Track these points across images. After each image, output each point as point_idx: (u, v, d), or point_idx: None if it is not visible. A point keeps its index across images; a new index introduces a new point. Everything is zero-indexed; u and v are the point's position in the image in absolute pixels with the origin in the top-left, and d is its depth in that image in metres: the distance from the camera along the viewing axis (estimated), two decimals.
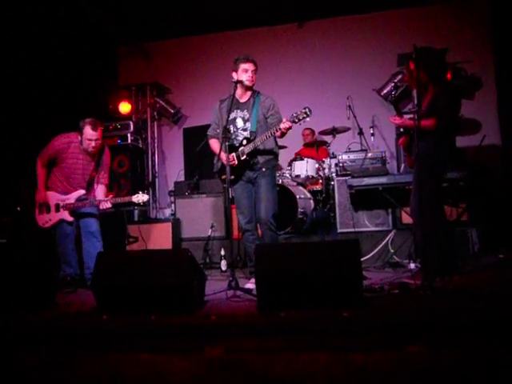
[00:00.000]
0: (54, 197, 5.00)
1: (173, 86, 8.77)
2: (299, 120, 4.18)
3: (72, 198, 5.00)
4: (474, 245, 5.55)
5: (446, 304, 3.19)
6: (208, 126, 7.20)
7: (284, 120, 4.25)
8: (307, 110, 4.15)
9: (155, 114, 8.76)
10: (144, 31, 8.22)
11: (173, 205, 7.12)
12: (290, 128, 4.24)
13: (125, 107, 8.31)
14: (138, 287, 3.48)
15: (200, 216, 6.65)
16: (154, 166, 8.67)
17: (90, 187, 5.09)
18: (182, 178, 7.51)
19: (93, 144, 4.93)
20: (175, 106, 8.59)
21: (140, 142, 8.21)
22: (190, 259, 3.56)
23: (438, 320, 2.76)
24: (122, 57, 8.87)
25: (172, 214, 7.15)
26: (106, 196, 5.13)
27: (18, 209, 6.23)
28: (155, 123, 8.83)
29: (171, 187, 7.60)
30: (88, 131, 4.89)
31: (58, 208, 4.98)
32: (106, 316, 3.35)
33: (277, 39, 8.35)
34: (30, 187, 6.19)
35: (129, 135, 7.79)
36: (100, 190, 5.13)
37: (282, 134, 4.39)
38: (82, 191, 5.04)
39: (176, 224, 6.68)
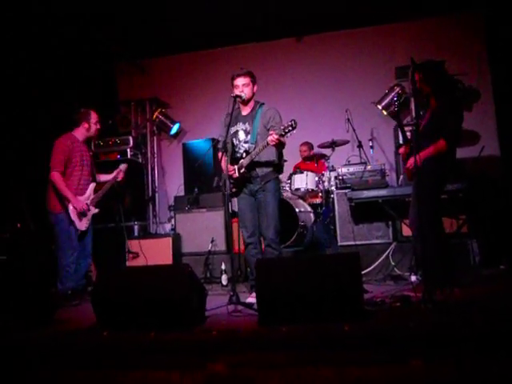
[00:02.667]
0: (83, 201, 5.23)
1: (172, 101, 8.80)
2: (285, 133, 4.13)
3: (90, 193, 5.32)
4: (474, 256, 5.53)
5: (447, 317, 3.18)
6: (207, 141, 7.28)
7: (271, 132, 4.23)
8: (293, 122, 4.10)
9: (155, 128, 8.78)
10: (143, 48, 8.27)
11: (173, 219, 7.12)
12: (277, 141, 4.20)
13: None
14: (139, 303, 3.46)
15: (200, 230, 6.64)
16: (153, 180, 8.67)
17: (93, 178, 5.46)
18: (182, 193, 7.50)
19: (98, 126, 5.43)
20: (174, 121, 8.61)
21: (140, 156, 8.22)
22: (190, 274, 3.55)
23: (439, 333, 2.75)
24: (121, 73, 8.90)
25: (172, 229, 7.14)
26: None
27: (18, 225, 6.22)
28: (155, 138, 8.84)
29: (171, 202, 7.60)
30: (95, 115, 5.39)
31: (88, 207, 5.26)
32: (106, 332, 3.34)
33: (275, 54, 8.39)
34: (31, 203, 6.23)
35: (128, 150, 7.80)
36: (104, 175, 5.60)
37: (280, 146, 4.39)
38: (93, 184, 5.38)
39: (176, 239, 6.67)
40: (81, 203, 5.14)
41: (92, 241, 5.39)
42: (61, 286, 5.08)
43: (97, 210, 5.34)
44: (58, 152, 5.15)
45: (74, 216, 5.12)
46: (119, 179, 5.50)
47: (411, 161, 4.22)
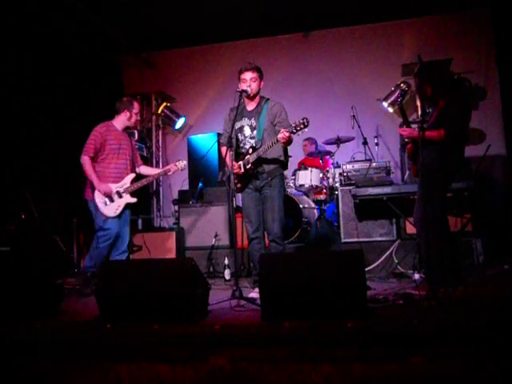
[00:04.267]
0: (107, 185, 5.18)
1: (177, 95, 8.79)
2: (297, 131, 4.11)
3: (127, 181, 5.29)
4: (478, 255, 5.53)
5: (450, 315, 3.18)
6: (212, 135, 7.24)
7: (282, 130, 4.21)
8: (305, 120, 4.08)
9: (160, 122, 8.77)
10: (148, 41, 8.28)
11: (177, 214, 7.12)
12: (288, 138, 4.20)
13: None
14: (142, 296, 3.47)
15: (204, 225, 6.64)
16: None
17: (133, 168, 5.47)
18: (186, 187, 7.51)
19: (138, 117, 5.52)
20: (180, 115, 8.61)
21: (144, 150, 8.19)
22: (193, 268, 3.56)
23: (442, 331, 2.75)
24: (126, 66, 8.90)
25: (176, 223, 7.14)
26: None
27: (23, 216, 6.24)
28: (160, 132, 8.84)
29: (175, 196, 7.61)
30: (136, 105, 5.43)
31: (120, 194, 5.22)
32: (109, 325, 3.35)
33: (282, 49, 8.39)
34: (36, 194, 6.26)
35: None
36: (149, 168, 5.77)
37: (287, 143, 4.38)
38: (133, 174, 5.38)
39: (180, 233, 6.68)
40: (104, 185, 5.11)
41: (128, 235, 5.36)
42: (88, 262, 5.19)
43: (134, 200, 5.31)
44: (90, 138, 5.17)
45: (99, 200, 5.11)
46: (169, 173, 5.47)
47: (408, 131, 4.27)
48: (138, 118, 5.51)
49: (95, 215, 5.20)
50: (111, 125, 5.33)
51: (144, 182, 5.40)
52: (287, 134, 4.16)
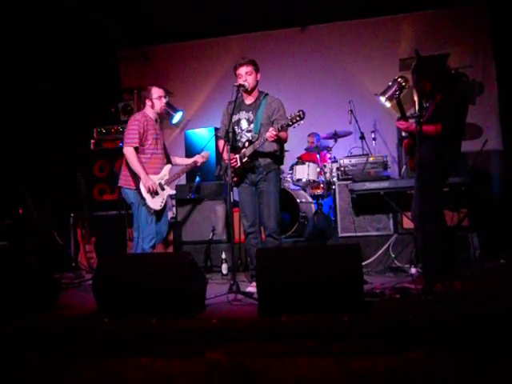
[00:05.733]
0: (153, 180, 4.97)
1: (175, 89, 8.74)
2: (293, 123, 4.12)
3: (166, 172, 5.11)
4: (475, 250, 5.54)
5: (446, 309, 3.19)
6: (209, 130, 7.24)
7: (270, 129, 4.24)
8: (301, 113, 4.09)
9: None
10: (146, 36, 8.25)
11: (174, 208, 7.12)
12: (275, 137, 4.22)
13: None
14: (139, 290, 3.48)
15: (201, 219, 6.64)
16: None
17: (167, 158, 5.24)
18: (184, 181, 7.50)
19: (164, 100, 5.14)
20: (177, 109, 8.59)
21: None
22: (191, 262, 3.56)
23: (439, 325, 2.76)
24: (124, 60, 8.87)
25: (173, 218, 7.14)
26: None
27: (20, 211, 6.23)
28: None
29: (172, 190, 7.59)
30: (156, 89, 5.11)
31: (162, 187, 5.02)
32: (107, 319, 3.35)
33: (279, 43, 8.36)
34: (34, 189, 6.26)
35: None
36: (180, 158, 5.58)
37: (280, 141, 4.39)
38: (169, 165, 5.18)
39: (177, 227, 6.68)
40: (150, 181, 4.87)
41: (168, 227, 5.21)
42: None
43: (173, 191, 5.31)
44: (130, 127, 4.93)
45: (145, 193, 4.89)
46: (198, 164, 5.37)
47: (405, 124, 4.27)
48: (164, 100, 5.14)
49: (138, 208, 4.92)
50: (146, 114, 5.09)
51: (181, 173, 5.33)
52: (274, 133, 4.20)
